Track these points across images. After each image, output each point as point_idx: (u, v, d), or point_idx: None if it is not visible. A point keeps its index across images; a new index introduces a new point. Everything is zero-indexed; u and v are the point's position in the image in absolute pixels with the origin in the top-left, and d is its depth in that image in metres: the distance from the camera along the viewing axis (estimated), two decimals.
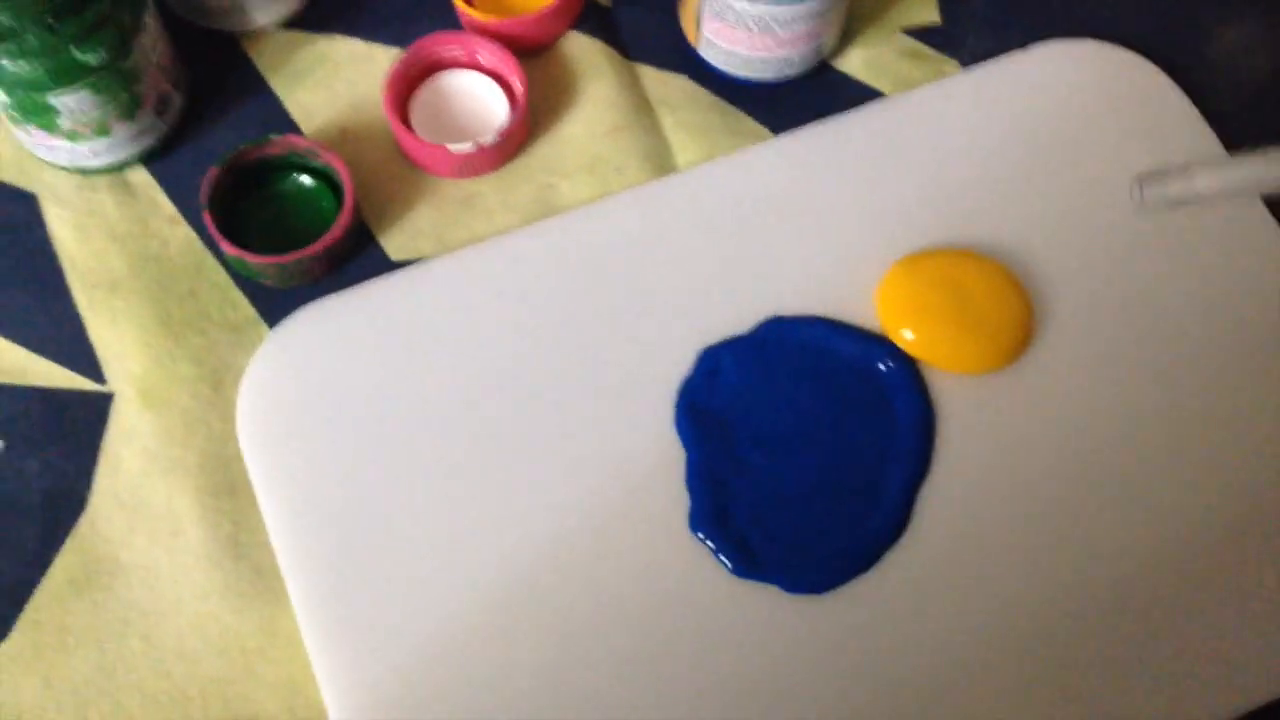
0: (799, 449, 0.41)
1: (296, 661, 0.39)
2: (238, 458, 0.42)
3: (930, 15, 0.50)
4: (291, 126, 0.47)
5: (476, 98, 0.47)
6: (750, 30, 0.45)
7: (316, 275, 0.44)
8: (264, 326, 0.44)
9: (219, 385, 0.43)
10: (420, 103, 0.47)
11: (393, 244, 0.45)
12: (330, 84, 0.47)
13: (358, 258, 0.45)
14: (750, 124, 0.48)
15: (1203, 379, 0.43)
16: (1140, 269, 0.44)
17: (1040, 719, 0.38)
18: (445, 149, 0.44)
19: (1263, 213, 0.45)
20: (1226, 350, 0.43)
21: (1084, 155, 0.46)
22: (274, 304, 0.44)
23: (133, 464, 0.41)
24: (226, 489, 0.41)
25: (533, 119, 0.47)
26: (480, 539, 0.40)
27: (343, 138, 0.47)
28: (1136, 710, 0.38)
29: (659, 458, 0.41)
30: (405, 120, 0.46)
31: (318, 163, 0.45)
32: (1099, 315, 0.44)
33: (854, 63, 0.49)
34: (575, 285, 0.44)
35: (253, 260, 0.42)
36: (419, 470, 0.41)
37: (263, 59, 0.48)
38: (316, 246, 0.43)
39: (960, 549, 0.40)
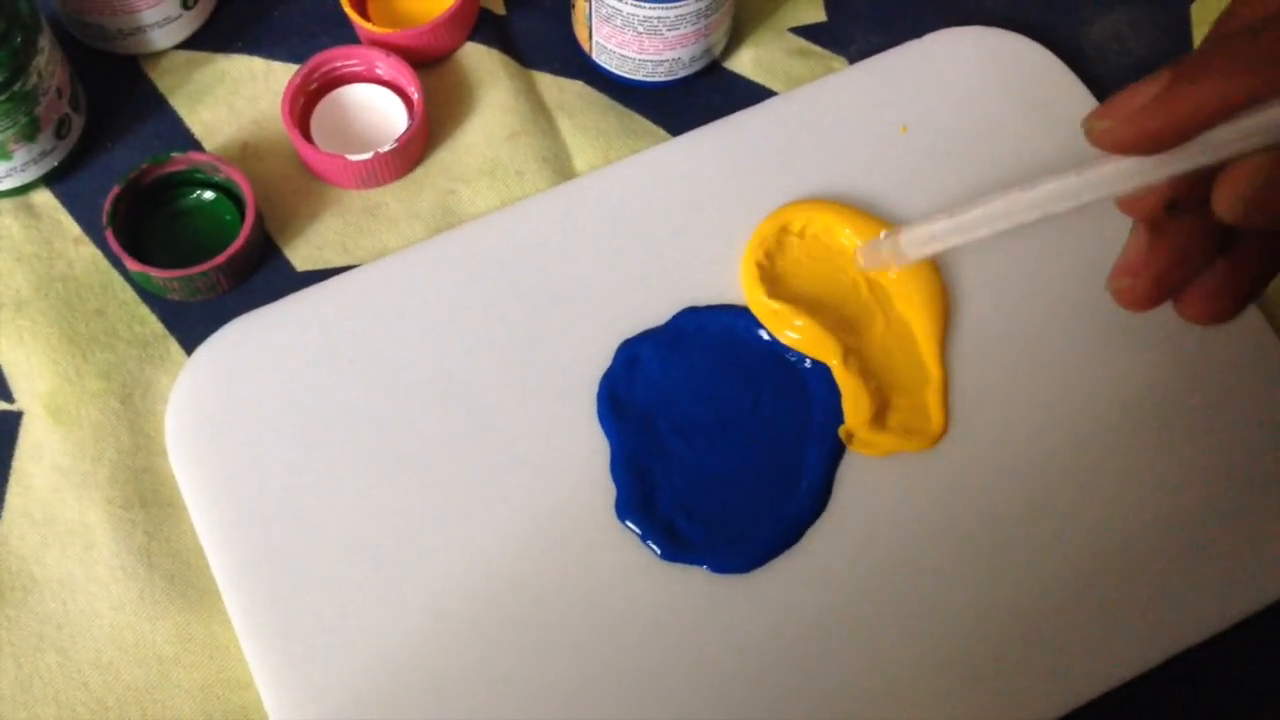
0: (719, 434, 0.43)
1: (213, 666, 0.40)
2: (148, 470, 0.43)
3: (816, 14, 0.53)
4: (194, 145, 0.48)
5: (376, 109, 0.49)
6: (638, 33, 0.47)
7: (223, 288, 0.46)
8: (172, 340, 0.45)
9: (127, 399, 0.44)
10: (320, 116, 0.48)
11: (298, 255, 0.47)
12: (231, 101, 0.49)
13: (264, 269, 0.46)
14: (646, 125, 0.50)
15: (1129, 358, 0.45)
16: (1049, 248, 0.47)
17: (966, 686, 0.40)
18: (344, 158, 0.46)
19: None
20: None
21: (984, 140, 0.49)
22: (182, 318, 0.45)
23: (43, 480, 0.42)
24: (137, 500, 0.42)
25: (433, 128, 0.49)
26: (413, 541, 0.41)
27: (245, 154, 0.48)
28: (1060, 673, 0.40)
29: (585, 451, 0.43)
30: (306, 134, 0.48)
31: (220, 178, 0.46)
32: (1007, 294, 0.46)
33: (745, 62, 0.51)
34: (491, 289, 0.45)
35: (157, 275, 0.44)
36: (349, 477, 0.42)
37: (163, 79, 0.49)
38: (219, 259, 0.44)
39: (880, 522, 0.42)
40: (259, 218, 0.46)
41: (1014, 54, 0.51)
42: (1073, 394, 0.44)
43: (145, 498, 0.42)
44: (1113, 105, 0.30)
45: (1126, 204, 0.32)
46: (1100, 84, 0.50)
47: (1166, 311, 0.45)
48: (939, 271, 0.46)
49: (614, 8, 0.47)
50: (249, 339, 0.44)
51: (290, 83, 0.47)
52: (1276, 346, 0.45)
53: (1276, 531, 0.42)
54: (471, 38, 0.51)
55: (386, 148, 0.46)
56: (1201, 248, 0.33)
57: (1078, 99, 0.50)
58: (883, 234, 0.41)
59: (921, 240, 0.39)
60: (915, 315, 0.45)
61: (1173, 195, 0.31)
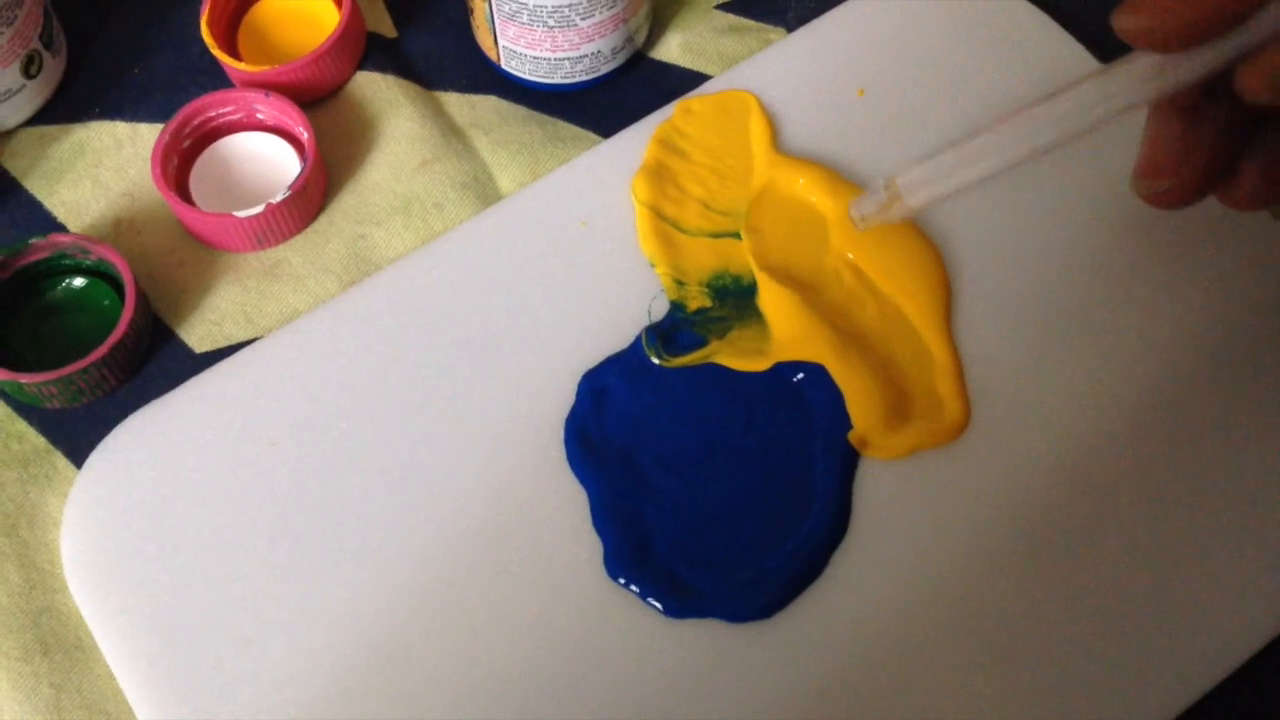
0: (713, 462, 0.38)
1: None
2: (47, 610, 0.37)
3: None
4: (58, 228, 0.43)
5: (262, 158, 0.43)
6: (549, 28, 0.43)
7: (111, 385, 0.40)
8: (57, 455, 0.39)
9: (12, 531, 0.38)
10: (200, 175, 0.43)
11: (194, 334, 0.41)
12: (95, 175, 0.44)
13: (156, 357, 0.41)
14: (574, 130, 0.45)
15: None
16: (1030, 201, 0.42)
17: (1030, 701, 0.35)
18: (232, 216, 0.40)
19: None
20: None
21: (949, 92, 0.44)
22: (66, 428, 0.40)
23: None
24: (38, 648, 0.36)
25: (331, 170, 0.44)
26: (380, 648, 0.36)
27: (119, 230, 0.43)
28: (1141, 690, 0.35)
29: (559, 504, 0.37)
30: (186, 197, 0.42)
31: (91, 260, 0.41)
32: (1009, 256, 0.41)
33: (672, 49, 0.47)
34: (424, 338, 0.40)
35: (28, 382, 0.38)
36: (291, 581, 0.36)
37: (13, 161, 0.44)
38: (100, 352, 0.38)
39: (912, 535, 0.37)
40: (141, 299, 0.40)
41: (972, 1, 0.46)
42: (1107, 356, 0.39)
43: (47, 643, 0.36)
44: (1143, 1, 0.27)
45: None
46: (1063, 10, 0.46)
47: (1194, 250, 0.41)
48: (930, 242, 0.41)
49: (518, 3, 0.42)
50: (148, 438, 0.38)
51: (158, 142, 0.42)
52: None
53: None
54: (362, 66, 0.46)
55: (279, 197, 0.41)
56: (1239, 134, 0.30)
57: (1046, 35, 0.45)
58: (879, 180, 0.36)
59: (925, 180, 0.34)
60: (907, 295, 0.40)
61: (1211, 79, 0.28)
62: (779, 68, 0.45)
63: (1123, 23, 0.28)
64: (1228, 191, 0.31)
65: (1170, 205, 0.32)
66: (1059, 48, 0.45)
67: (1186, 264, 0.41)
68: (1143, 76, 0.29)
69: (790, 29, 0.47)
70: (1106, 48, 0.44)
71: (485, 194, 0.43)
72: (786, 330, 0.39)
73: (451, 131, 0.45)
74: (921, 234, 0.41)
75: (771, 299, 0.40)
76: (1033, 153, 0.31)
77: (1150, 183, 0.31)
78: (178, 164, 0.43)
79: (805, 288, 0.40)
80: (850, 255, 0.41)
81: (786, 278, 0.40)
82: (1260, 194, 0.31)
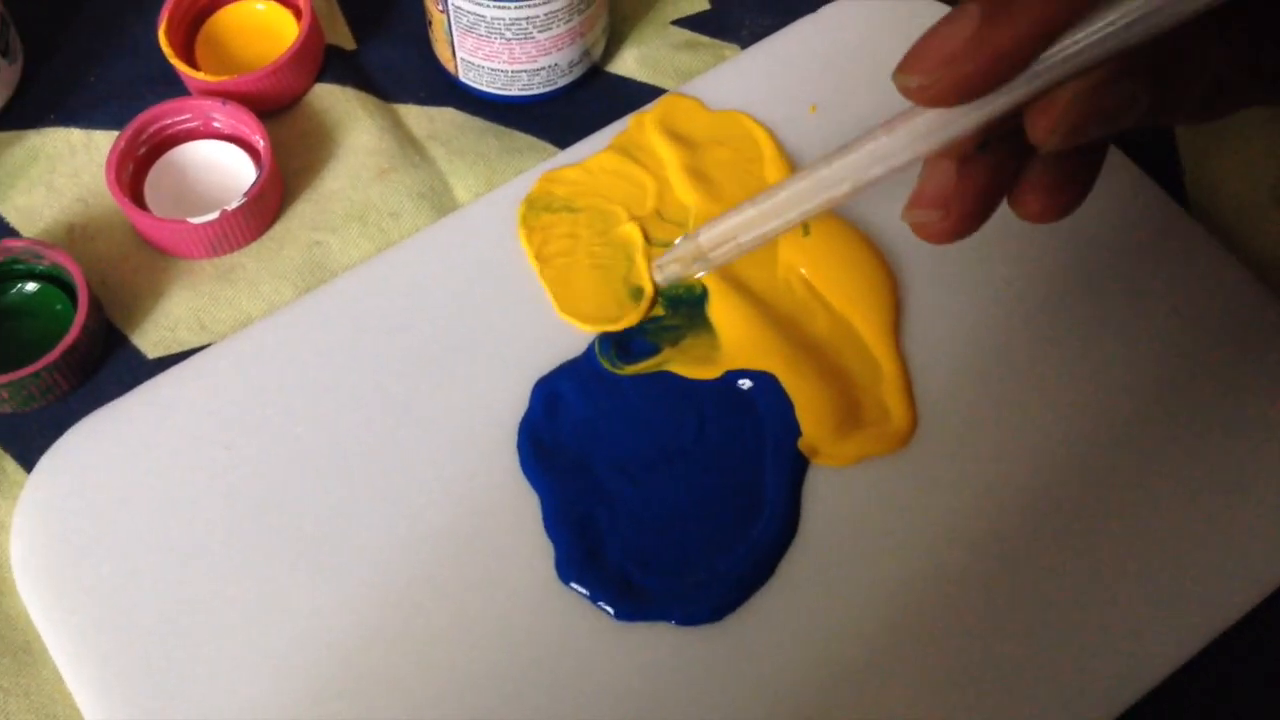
0: (665, 468, 0.39)
1: None
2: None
3: (699, 3, 0.49)
4: (11, 234, 0.43)
5: (218, 166, 0.44)
6: (506, 40, 0.44)
7: (62, 389, 0.40)
8: (7, 459, 0.39)
9: None
10: (155, 182, 0.44)
11: (148, 340, 0.42)
12: (49, 180, 0.44)
13: (110, 362, 0.41)
14: (530, 140, 0.46)
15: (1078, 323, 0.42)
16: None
17: (978, 702, 0.36)
18: (187, 223, 0.41)
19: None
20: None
21: (899, 107, 0.45)
22: (18, 432, 0.40)
23: None
24: None
25: (289, 178, 0.44)
26: (333, 649, 0.36)
27: (72, 235, 0.43)
28: (1087, 686, 0.36)
29: (512, 509, 0.38)
30: (140, 203, 0.43)
31: (44, 265, 0.41)
32: (955, 272, 0.42)
33: (628, 63, 0.48)
34: (378, 344, 0.40)
35: None
36: (246, 584, 0.37)
37: None
38: (52, 356, 0.39)
39: (859, 539, 0.38)
40: (95, 304, 0.40)
41: (915, 16, 0.48)
42: (1052, 367, 0.41)
43: None
44: (922, 55, 0.27)
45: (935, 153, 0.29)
46: None
47: (1137, 274, 0.42)
48: (879, 254, 0.42)
49: (476, 15, 0.43)
50: (99, 441, 0.39)
51: (114, 148, 0.42)
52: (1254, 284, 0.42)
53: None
54: (321, 78, 0.47)
55: (234, 204, 0.41)
56: (1014, 164, 0.30)
57: None
58: (679, 239, 0.36)
59: (725, 235, 0.33)
60: (855, 307, 0.41)
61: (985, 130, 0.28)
62: (733, 83, 0.46)
63: (900, 81, 0.28)
64: (1017, 209, 0.31)
65: (938, 239, 0.31)
66: None
67: (1135, 274, 0.42)
68: (924, 131, 0.29)
69: (744, 45, 0.48)
70: None
71: (441, 204, 0.44)
72: (737, 339, 0.40)
73: (409, 142, 0.46)
74: (871, 246, 0.42)
75: (723, 308, 0.41)
76: (825, 205, 0.31)
77: (916, 214, 0.31)
78: (133, 171, 0.43)
79: (757, 298, 0.41)
80: (801, 269, 0.42)
81: (738, 287, 0.41)
82: (1050, 211, 0.30)
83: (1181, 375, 0.40)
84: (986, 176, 0.30)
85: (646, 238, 0.42)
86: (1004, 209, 0.30)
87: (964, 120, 0.28)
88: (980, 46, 0.26)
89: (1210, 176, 0.45)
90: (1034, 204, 0.30)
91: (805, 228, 0.42)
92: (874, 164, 0.30)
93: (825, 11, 0.48)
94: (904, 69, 0.27)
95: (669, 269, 0.35)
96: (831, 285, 0.42)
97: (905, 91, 0.28)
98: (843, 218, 0.43)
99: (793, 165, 0.44)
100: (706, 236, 0.34)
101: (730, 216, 0.33)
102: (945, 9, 0.47)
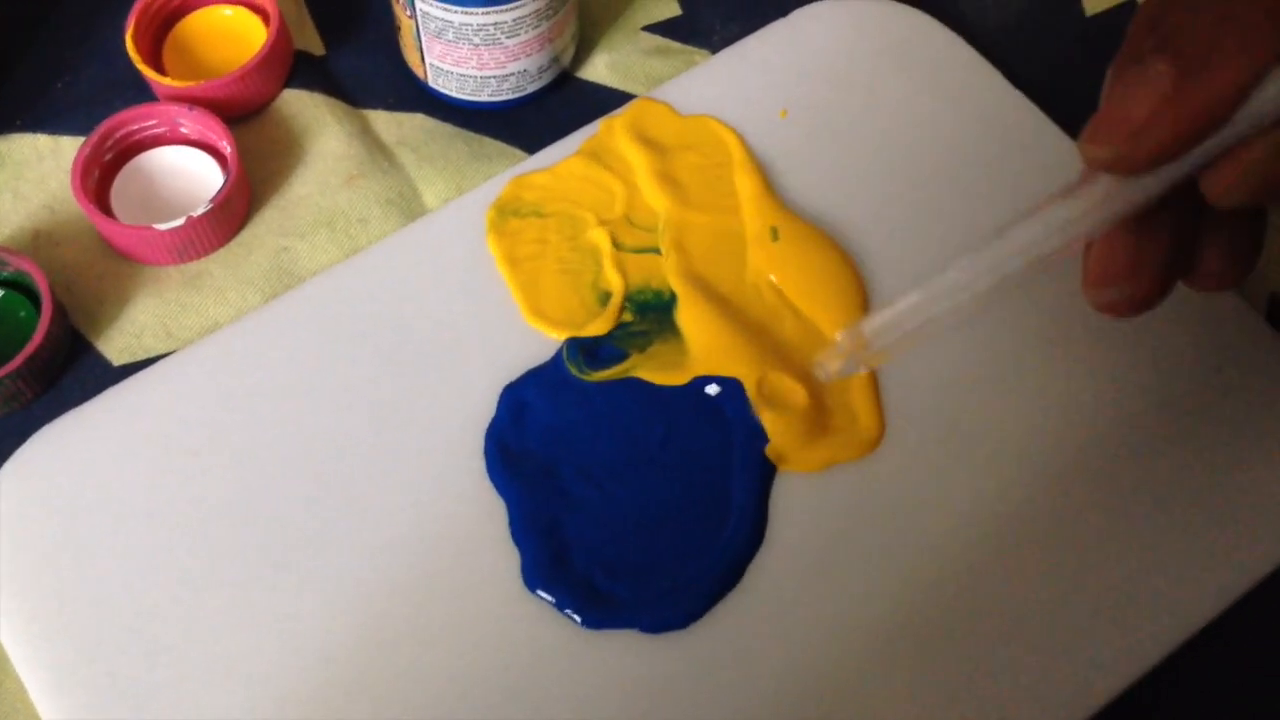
0: (632, 474, 0.39)
1: None
2: None
3: (669, 9, 0.50)
4: None
5: (185, 172, 0.44)
6: (475, 45, 0.43)
7: (26, 397, 0.40)
8: None
9: None
10: (121, 189, 0.43)
11: (113, 347, 0.41)
12: (14, 187, 0.44)
13: (74, 369, 0.41)
14: (499, 147, 0.46)
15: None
16: (948, 221, 0.43)
17: (946, 707, 0.36)
18: (153, 229, 0.41)
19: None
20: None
21: (869, 113, 0.46)
22: None
23: None
24: None
25: (257, 184, 0.44)
26: (299, 652, 0.36)
27: (37, 242, 0.43)
28: (1059, 687, 0.36)
29: (478, 516, 0.38)
30: (106, 210, 0.43)
31: (8, 272, 0.41)
32: (916, 278, 0.42)
33: (599, 69, 0.48)
34: (346, 350, 0.40)
35: None
36: (212, 589, 0.37)
37: None
38: (14, 363, 0.38)
39: (826, 545, 0.38)
40: (59, 310, 0.40)
41: (885, 20, 0.48)
42: (1022, 375, 0.41)
43: None
44: (1109, 122, 0.26)
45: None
46: (981, 38, 0.48)
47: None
48: (848, 260, 0.42)
49: (444, 20, 0.43)
50: (63, 449, 0.38)
51: (79, 154, 0.42)
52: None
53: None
54: (289, 84, 0.47)
55: (200, 211, 0.41)
56: (1192, 232, 0.29)
57: (959, 57, 0.47)
58: (839, 334, 0.33)
59: (890, 324, 0.31)
60: (824, 312, 0.41)
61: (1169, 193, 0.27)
62: (703, 88, 0.46)
63: (1090, 153, 0.26)
64: (1192, 278, 0.30)
65: (1126, 314, 0.29)
66: (978, 73, 0.46)
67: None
68: (1107, 198, 0.27)
69: (715, 50, 0.48)
70: (1019, 72, 0.46)
71: (410, 209, 0.44)
72: (705, 345, 0.40)
73: (378, 148, 0.46)
74: (840, 251, 0.42)
75: (691, 314, 0.41)
76: (999, 284, 0.29)
77: (1102, 293, 0.29)
78: (99, 177, 0.43)
79: (725, 303, 0.41)
80: (770, 274, 0.42)
81: (707, 293, 0.41)
82: (1227, 276, 0.29)
83: (1153, 378, 0.40)
84: (1167, 245, 0.28)
85: (615, 243, 0.42)
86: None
87: (1149, 184, 0.27)
88: (1174, 110, 0.25)
89: None
90: (1216, 270, 0.29)
91: (774, 233, 0.42)
92: (1052, 234, 0.28)
93: (795, 17, 0.48)
94: (1092, 139, 0.26)
95: (831, 365, 0.33)
96: (800, 290, 0.42)
97: (1096, 164, 0.27)
98: (811, 223, 0.43)
99: (762, 169, 0.44)
100: (870, 328, 0.32)
101: (895, 305, 0.31)
102: (915, 11, 0.48)
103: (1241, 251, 0.29)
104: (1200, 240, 0.29)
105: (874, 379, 0.40)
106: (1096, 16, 0.50)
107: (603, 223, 0.43)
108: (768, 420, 0.39)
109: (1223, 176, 0.26)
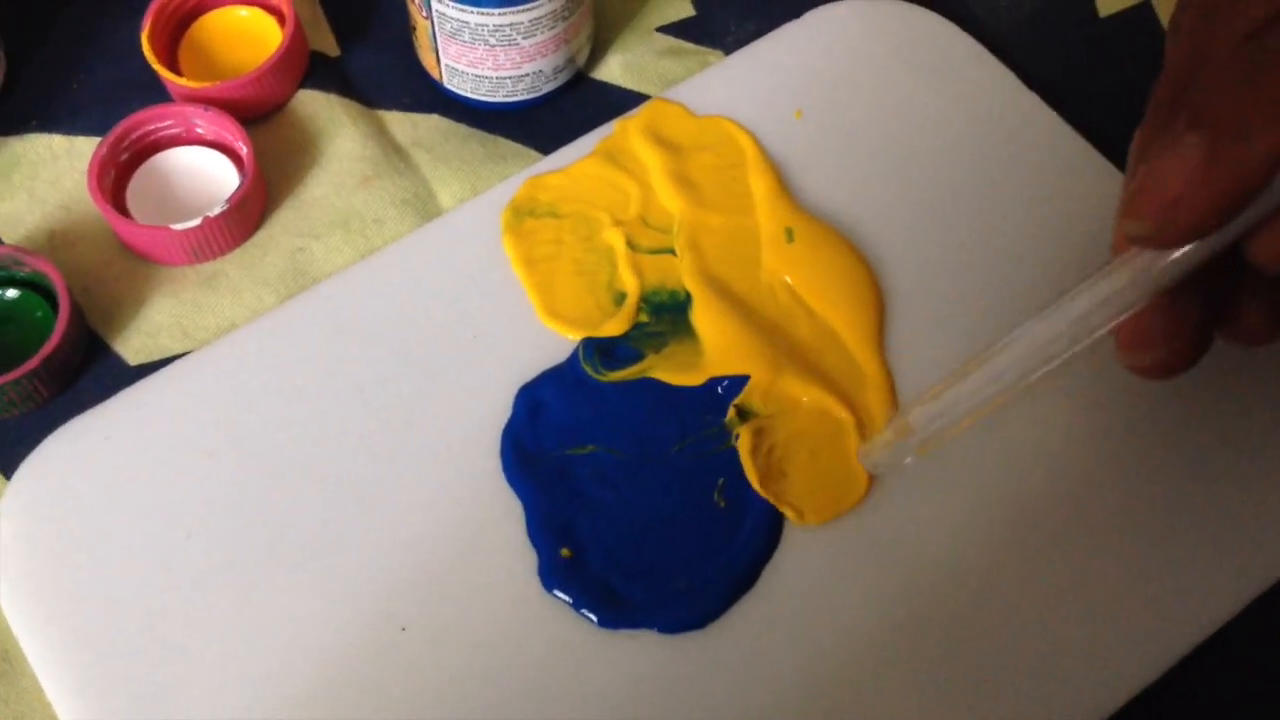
0: (647, 474, 0.39)
1: None
2: None
3: (684, 9, 0.50)
4: None
5: (201, 173, 0.44)
6: (491, 46, 0.44)
7: (42, 397, 0.40)
8: None
9: None
10: (137, 189, 0.43)
11: (130, 347, 0.42)
12: (30, 187, 0.44)
13: (91, 369, 0.41)
14: (514, 148, 0.46)
15: None
16: (968, 221, 0.43)
17: (964, 706, 0.36)
18: (169, 229, 0.41)
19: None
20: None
21: (884, 113, 0.46)
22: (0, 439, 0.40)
23: None
24: None
25: (272, 185, 0.44)
26: (317, 656, 0.36)
27: (53, 242, 0.43)
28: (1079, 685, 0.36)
29: (495, 517, 0.38)
30: (123, 210, 0.43)
31: (25, 272, 0.41)
32: (937, 284, 0.42)
33: (613, 70, 0.48)
34: (361, 350, 0.40)
35: None
36: (228, 591, 0.37)
37: None
38: (32, 363, 0.39)
39: (843, 542, 0.38)
40: (75, 310, 0.40)
41: (899, 21, 0.48)
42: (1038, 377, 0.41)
43: None
44: (1144, 196, 0.26)
45: None
46: (994, 39, 0.48)
47: None
48: (863, 260, 0.42)
49: (460, 21, 0.43)
50: (80, 448, 0.39)
51: (96, 155, 0.42)
52: None
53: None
54: (304, 84, 0.47)
55: (217, 210, 0.41)
56: (1230, 294, 0.29)
57: (973, 58, 0.47)
58: (886, 427, 0.35)
59: (937, 412, 0.33)
60: (839, 313, 0.41)
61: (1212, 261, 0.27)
62: (718, 89, 0.46)
63: (1129, 229, 0.26)
64: (1230, 335, 0.30)
65: (1162, 377, 0.30)
66: (992, 74, 0.46)
67: None
68: (1146, 272, 0.28)
69: (729, 51, 0.48)
70: (1032, 73, 0.46)
71: (426, 210, 0.44)
72: (720, 345, 0.40)
73: (393, 149, 0.46)
74: (855, 253, 0.42)
75: (706, 315, 0.41)
76: (1042, 371, 0.30)
77: (1138, 356, 0.30)
78: (115, 177, 0.43)
79: (740, 303, 0.41)
80: (785, 275, 0.42)
81: (722, 294, 0.41)
82: (1265, 333, 0.29)
83: (1153, 390, 0.40)
84: (1201, 307, 0.29)
85: (630, 243, 0.42)
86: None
87: (1190, 255, 0.27)
88: (1209, 183, 0.25)
89: None
90: (1257, 328, 0.29)
91: (789, 234, 0.42)
92: (1094, 313, 0.29)
93: (808, 18, 0.48)
94: (1129, 214, 0.26)
95: (875, 455, 0.35)
96: (815, 291, 0.42)
97: (1134, 241, 0.27)
98: (826, 224, 0.43)
99: (776, 170, 0.44)
100: (915, 418, 0.33)
101: (941, 393, 0.32)
102: (928, 13, 0.48)
103: (1277, 310, 0.29)
104: (1240, 298, 0.29)
105: (891, 380, 0.40)
106: (1110, 18, 0.50)
107: (618, 223, 0.43)
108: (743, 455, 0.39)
109: (1273, 243, 0.26)
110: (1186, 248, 0.27)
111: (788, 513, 0.38)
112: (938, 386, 0.32)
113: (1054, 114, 0.45)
